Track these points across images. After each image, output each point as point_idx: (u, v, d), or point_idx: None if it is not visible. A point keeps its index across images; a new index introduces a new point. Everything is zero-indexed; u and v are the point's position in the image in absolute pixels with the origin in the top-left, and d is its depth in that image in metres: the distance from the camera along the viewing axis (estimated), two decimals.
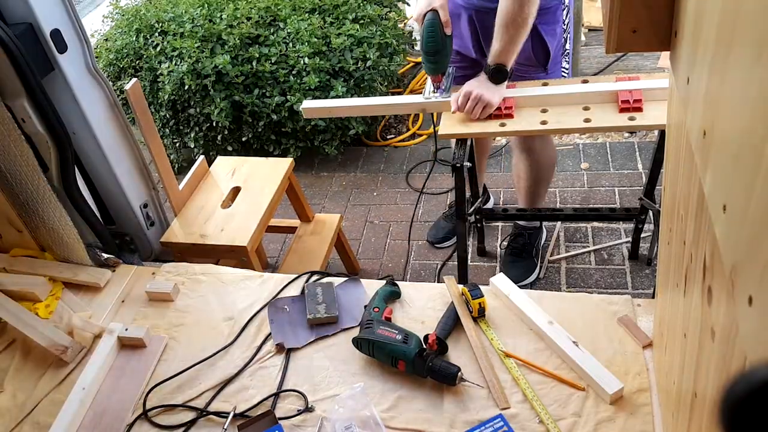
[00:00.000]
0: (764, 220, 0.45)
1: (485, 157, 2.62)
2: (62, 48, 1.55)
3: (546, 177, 2.32)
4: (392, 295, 1.48)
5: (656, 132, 2.24)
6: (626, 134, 3.05)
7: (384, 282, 1.50)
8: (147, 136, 1.87)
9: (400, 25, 3.51)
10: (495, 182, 2.91)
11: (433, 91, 1.94)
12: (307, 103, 2.06)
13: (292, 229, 2.38)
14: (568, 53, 2.02)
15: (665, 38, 0.85)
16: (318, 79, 2.83)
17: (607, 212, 2.39)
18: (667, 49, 0.86)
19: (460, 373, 1.25)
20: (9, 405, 1.41)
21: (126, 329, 1.50)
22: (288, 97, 2.88)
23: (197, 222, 1.99)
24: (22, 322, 1.53)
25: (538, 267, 2.41)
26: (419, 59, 3.93)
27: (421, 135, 3.35)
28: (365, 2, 3.15)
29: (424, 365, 1.27)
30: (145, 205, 1.90)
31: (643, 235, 2.34)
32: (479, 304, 1.37)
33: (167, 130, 3.18)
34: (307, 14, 3.01)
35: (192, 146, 3.16)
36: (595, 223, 2.58)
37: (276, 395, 1.32)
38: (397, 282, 1.51)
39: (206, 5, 3.07)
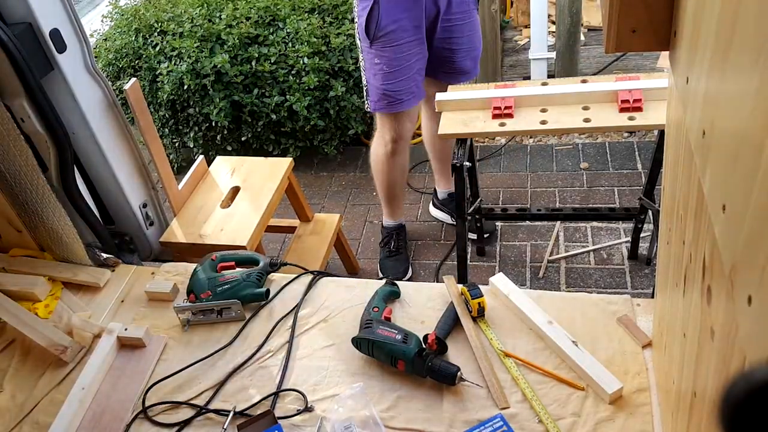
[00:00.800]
0: (763, 219, 0.45)
1: (438, 160, 2.65)
2: (61, 48, 1.54)
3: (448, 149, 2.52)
4: (392, 294, 1.48)
5: (656, 132, 2.25)
6: (626, 134, 3.05)
7: (383, 282, 1.50)
8: (146, 136, 1.87)
9: None
10: (494, 182, 2.92)
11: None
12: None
13: (291, 229, 2.38)
14: None
15: (664, 38, 0.85)
16: (317, 78, 2.83)
17: (607, 212, 2.39)
18: (666, 48, 0.86)
19: (459, 373, 1.25)
20: (8, 405, 1.41)
21: (126, 329, 1.50)
22: (287, 96, 2.88)
23: (196, 222, 1.99)
24: (22, 322, 1.53)
25: (409, 265, 2.56)
26: None
27: (420, 135, 3.34)
28: None
29: (423, 365, 1.27)
30: (145, 205, 1.90)
31: (642, 234, 2.34)
32: (479, 303, 1.37)
33: (166, 129, 3.18)
34: (306, 14, 3.01)
35: (191, 146, 3.16)
36: (595, 223, 2.58)
37: (275, 395, 1.32)
38: (396, 282, 1.51)
39: (205, 5, 3.07)
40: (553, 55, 3.24)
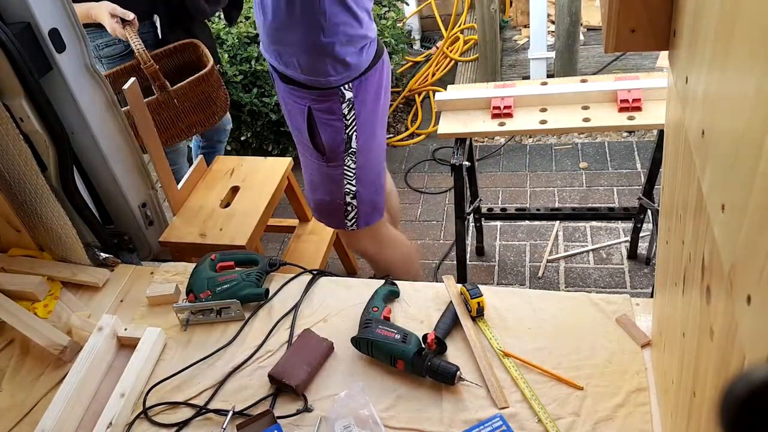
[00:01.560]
0: (763, 219, 0.45)
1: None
2: (60, 47, 1.54)
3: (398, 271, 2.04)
4: (391, 294, 1.48)
5: (655, 131, 2.25)
6: (625, 133, 3.06)
7: (383, 282, 1.50)
8: (145, 136, 1.86)
9: (399, 25, 3.51)
10: (494, 182, 2.92)
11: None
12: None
13: (290, 229, 2.38)
14: (353, 152, 1.72)
15: (664, 38, 0.85)
16: None
17: (606, 212, 2.40)
18: (665, 48, 0.86)
19: (459, 373, 1.25)
20: (8, 405, 1.41)
21: (125, 329, 1.50)
22: None
23: (196, 221, 1.99)
24: (21, 322, 1.53)
25: None
26: (418, 58, 3.93)
27: (419, 134, 3.35)
28: None
29: (423, 365, 1.27)
30: (144, 205, 1.90)
31: (641, 234, 2.34)
32: (478, 303, 1.37)
33: None
34: None
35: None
36: (594, 223, 2.58)
37: (275, 394, 1.32)
38: (395, 281, 1.51)
39: None
40: (553, 54, 3.24)
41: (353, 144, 1.69)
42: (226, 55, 2.83)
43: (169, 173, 1.98)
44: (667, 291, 1.06)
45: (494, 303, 1.43)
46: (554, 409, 1.20)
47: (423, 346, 1.30)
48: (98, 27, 2.10)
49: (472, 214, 2.32)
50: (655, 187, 2.06)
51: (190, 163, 2.49)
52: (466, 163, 1.87)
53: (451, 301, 1.42)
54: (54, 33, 1.52)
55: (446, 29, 3.95)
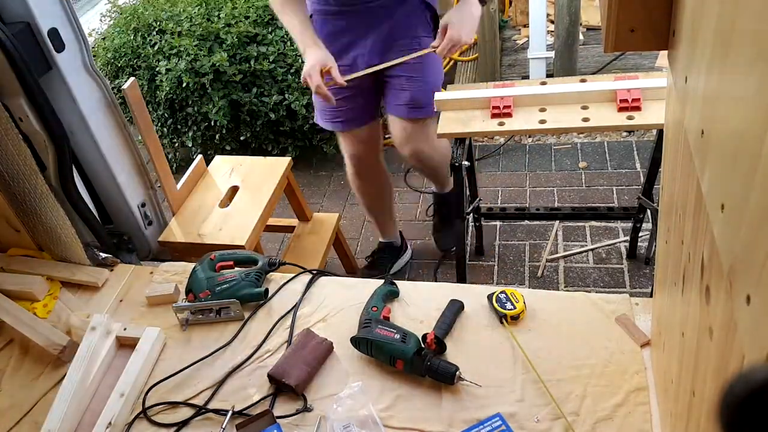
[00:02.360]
0: (762, 219, 0.45)
1: (384, 199, 2.46)
2: (60, 47, 1.54)
3: (444, 162, 2.23)
4: (390, 294, 1.48)
5: (654, 131, 2.25)
6: (624, 133, 3.06)
7: (382, 281, 1.50)
8: (145, 136, 1.86)
9: None
10: (493, 182, 2.92)
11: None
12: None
13: (290, 229, 2.38)
14: None
15: (663, 37, 0.85)
16: None
17: (605, 211, 2.40)
18: (665, 48, 0.86)
19: (458, 373, 1.25)
20: (7, 404, 1.41)
21: (125, 329, 1.50)
22: (286, 96, 2.88)
23: (195, 221, 1.99)
24: (20, 322, 1.53)
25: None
26: None
27: None
28: None
29: (422, 364, 1.27)
30: (143, 205, 1.90)
31: (641, 234, 2.34)
32: (508, 315, 1.37)
33: (165, 129, 3.18)
34: None
35: (190, 145, 3.16)
36: (593, 222, 2.58)
37: (274, 394, 1.32)
38: (395, 281, 1.51)
39: (204, 4, 3.07)
40: (552, 54, 3.24)
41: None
42: (226, 55, 2.83)
43: (169, 173, 1.98)
44: (666, 291, 1.06)
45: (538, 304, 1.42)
46: (554, 409, 1.20)
47: (422, 345, 1.30)
48: None
49: (471, 214, 2.32)
50: (655, 186, 2.06)
51: None
52: (466, 162, 1.87)
53: (450, 301, 1.42)
54: (53, 33, 1.52)
55: None
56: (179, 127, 3.15)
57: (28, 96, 1.49)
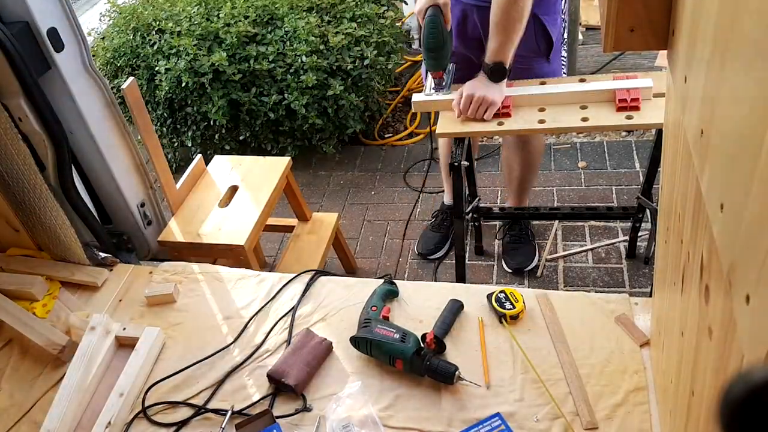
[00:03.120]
0: (761, 218, 0.45)
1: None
2: (59, 47, 1.54)
3: (537, 163, 2.39)
4: (390, 293, 1.48)
5: (653, 131, 2.25)
6: (623, 133, 3.05)
7: (382, 281, 1.50)
8: (144, 135, 1.86)
9: (398, 24, 3.51)
10: (492, 181, 2.92)
11: (434, 88, 1.93)
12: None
13: (289, 228, 2.38)
14: (565, 42, 2.03)
15: (663, 37, 0.85)
16: (315, 77, 2.83)
17: (605, 211, 2.39)
18: (664, 47, 0.86)
19: (457, 372, 1.25)
20: (6, 404, 1.41)
21: (124, 329, 1.50)
22: (285, 95, 2.87)
23: (194, 221, 1.99)
24: (20, 322, 1.53)
25: (537, 252, 2.45)
26: (417, 58, 3.93)
27: (418, 134, 3.34)
28: (363, 1, 3.15)
29: (422, 364, 1.27)
30: (143, 204, 1.90)
31: (640, 233, 2.34)
32: (507, 314, 1.37)
33: (164, 129, 3.17)
34: (304, 13, 3.00)
35: (189, 145, 3.16)
36: (593, 222, 2.58)
37: (274, 394, 1.32)
38: (394, 281, 1.51)
39: (203, 4, 3.06)
40: None
41: (565, 34, 1.93)
42: (225, 55, 2.83)
43: (168, 173, 1.98)
44: (665, 290, 1.06)
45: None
46: (553, 409, 1.20)
47: (422, 345, 1.30)
48: None
49: (471, 214, 2.32)
50: (654, 186, 2.06)
51: None
52: (465, 162, 1.87)
53: (450, 300, 1.42)
54: (52, 32, 1.52)
55: None
56: (178, 126, 3.15)
57: (27, 96, 1.49)
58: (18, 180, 1.56)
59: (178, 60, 2.88)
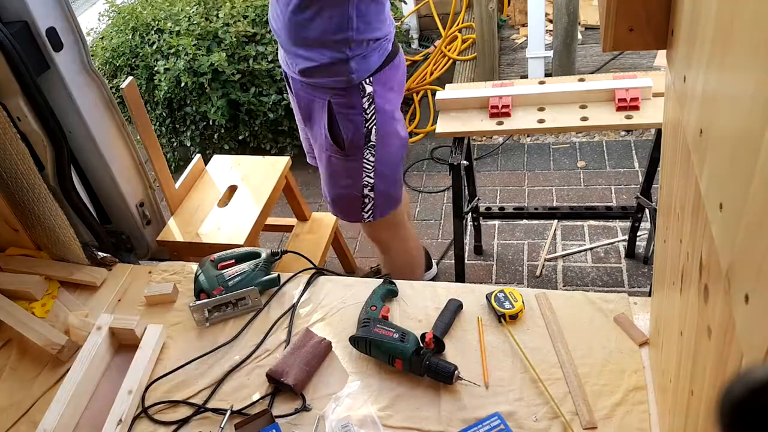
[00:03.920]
0: (761, 218, 0.45)
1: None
2: (58, 46, 1.54)
3: (404, 274, 2.06)
4: (389, 293, 1.48)
5: (653, 130, 2.25)
6: (623, 132, 3.06)
7: (381, 281, 1.50)
8: (143, 135, 1.86)
9: (397, 24, 3.50)
10: (491, 181, 2.92)
11: None
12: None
13: (288, 228, 2.38)
14: (373, 145, 1.74)
15: (662, 37, 0.85)
16: None
17: (604, 210, 2.40)
18: (663, 47, 0.86)
19: (457, 372, 1.25)
20: (6, 404, 1.41)
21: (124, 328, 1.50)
22: (285, 95, 2.87)
23: (194, 221, 1.98)
24: (18, 321, 1.52)
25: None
26: (416, 57, 3.93)
27: (418, 133, 3.34)
28: None
29: (421, 364, 1.27)
30: (142, 204, 1.90)
31: (639, 233, 2.34)
32: (506, 314, 1.37)
33: (163, 128, 3.17)
34: None
35: (188, 145, 3.16)
36: (592, 222, 2.59)
37: (273, 394, 1.32)
38: (394, 281, 1.51)
39: (202, 3, 3.06)
40: (551, 53, 3.24)
41: (372, 137, 1.73)
42: (224, 54, 2.83)
43: (167, 172, 1.98)
44: (664, 290, 1.06)
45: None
46: (552, 408, 1.20)
47: (421, 345, 1.30)
48: None
49: (470, 213, 2.32)
50: (653, 186, 2.06)
51: None
52: (464, 162, 1.87)
53: (449, 300, 1.42)
54: (51, 32, 1.52)
55: (444, 28, 3.95)
56: (178, 126, 3.15)
57: (26, 95, 1.49)
58: (17, 179, 1.56)
59: (177, 60, 2.88)
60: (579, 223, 2.59)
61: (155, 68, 2.94)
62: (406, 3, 3.91)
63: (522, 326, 1.37)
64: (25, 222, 1.68)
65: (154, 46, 2.99)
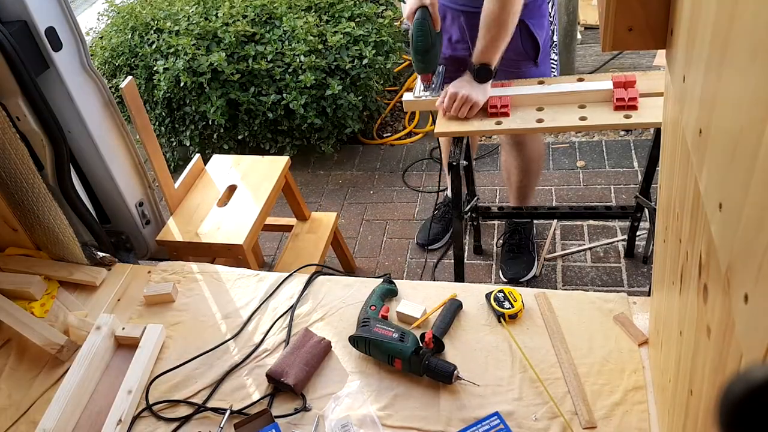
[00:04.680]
0: (760, 218, 0.46)
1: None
2: (57, 46, 1.54)
3: (536, 169, 2.33)
4: (389, 293, 1.48)
5: (652, 130, 2.25)
6: (622, 132, 3.06)
7: (381, 280, 1.50)
8: (142, 135, 1.86)
9: (396, 24, 3.50)
10: (491, 180, 2.92)
11: (423, 90, 1.94)
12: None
13: (288, 228, 2.38)
14: (555, 45, 2.02)
15: (661, 37, 0.85)
16: (314, 77, 2.82)
17: (603, 210, 2.39)
18: (663, 47, 0.86)
19: (456, 372, 1.25)
20: (5, 404, 1.41)
21: (123, 328, 1.49)
22: (284, 95, 2.87)
23: (193, 220, 1.98)
24: (18, 321, 1.52)
25: (536, 261, 2.41)
26: None
27: (417, 133, 3.34)
28: (361, 0, 3.15)
29: (420, 363, 1.27)
30: (141, 204, 1.90)
31: (638, 233, 2.34)
32: (505, 313, 1.37)
33: (163, 128, 3.17)
34: (302, 12, 3.00)
35: (188, 144, 3.16)
36: (591, 221, 2.59)
37: (273, 393, 1.32)
38: (393, 280, 1.51)
39: (202, 3, 3.06)
40: None
41: (555, 36, 1.93)
42: (224, 54, 2.82)
43: (167, 172, 1.98)
44: (664, 289, 1.06)
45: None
46: (552, 408, 1.20)
47: (421, 345, 1.30)
48: None
49: (469, 213, 2.32)
50: (652, 185, 2.06)
51: None
52: (464, 162, 1.87)
53: (449, 300, 1.42)
54: (51, 31, 1.52)
55: None
56: (177, 126, 3.15)
57: (25, 95, 1.48)
58: (16, 179, 1.56)
59: (176, 59, 2.88)
60: (578, 222, 2.59)
61: (154, 68, 2.94)
62: (404, 2, 3.91)
63: (521, 326, 1.37)
64: (24, 222, 1.68)
65: (154, 46, 2.99)
